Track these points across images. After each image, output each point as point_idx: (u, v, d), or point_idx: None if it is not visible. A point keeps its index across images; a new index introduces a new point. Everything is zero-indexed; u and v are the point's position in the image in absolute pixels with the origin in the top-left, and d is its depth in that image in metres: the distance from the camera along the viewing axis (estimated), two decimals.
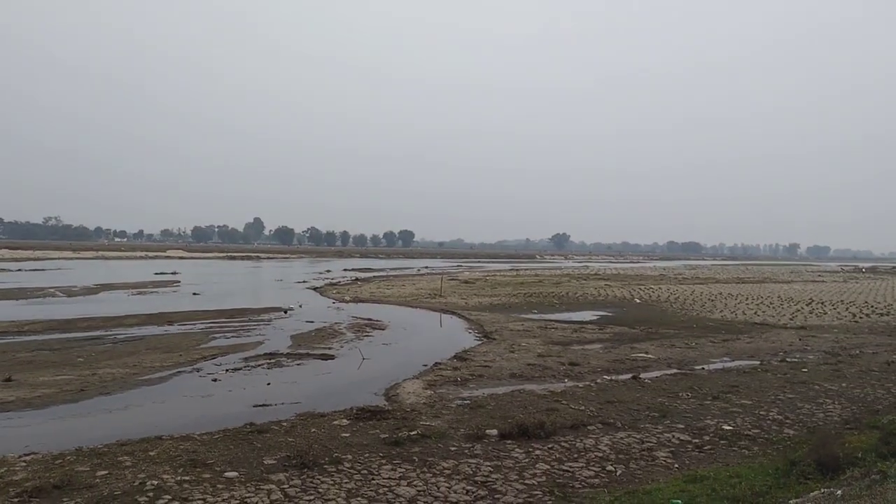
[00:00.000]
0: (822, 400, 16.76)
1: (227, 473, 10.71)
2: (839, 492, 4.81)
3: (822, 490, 5.58)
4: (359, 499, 9.78)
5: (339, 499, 9.76)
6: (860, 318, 38.70)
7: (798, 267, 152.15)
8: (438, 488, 10.31)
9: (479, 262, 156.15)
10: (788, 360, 22.89)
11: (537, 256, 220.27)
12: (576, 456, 12.02)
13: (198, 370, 20.18)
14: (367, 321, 32.62)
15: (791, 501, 4.99)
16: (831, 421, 14.85)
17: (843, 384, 18.63)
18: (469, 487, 10.37)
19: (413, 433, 13.02)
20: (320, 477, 10.61)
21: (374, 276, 78.03)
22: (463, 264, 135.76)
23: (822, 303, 48.19)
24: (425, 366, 20.92)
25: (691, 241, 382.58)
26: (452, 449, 12.28)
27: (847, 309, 43.66)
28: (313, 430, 13.40)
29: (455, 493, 10.16)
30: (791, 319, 37.07)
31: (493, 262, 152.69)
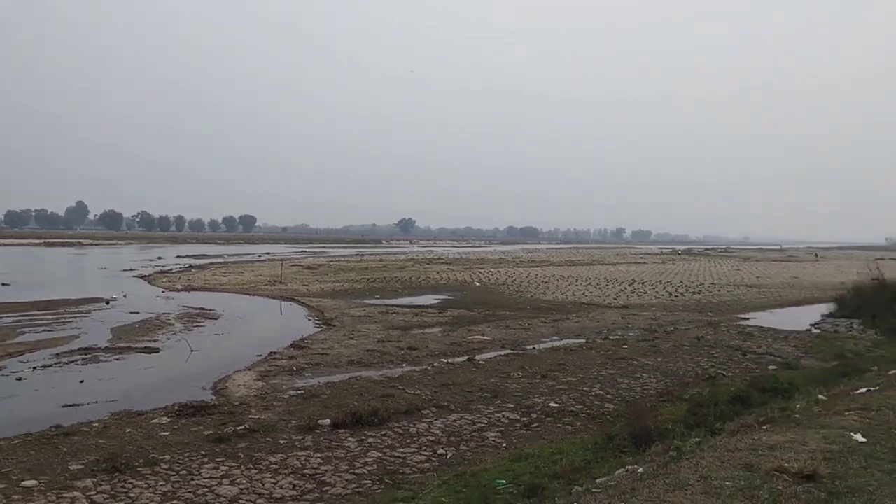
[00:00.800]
0: (639, 375, 17.83)
1: (25, 482, 9.67)
2: (640, 469, 4.98)
3: (627, 468, 5.80)
4: (175, 502, 9.15)
5: (152, 503, 9.07)
6: (676, 296, 41.83)
7: (623, 250, 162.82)
8: (263, 485, 9.86)
9: (323, 247, 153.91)
10: (611, 337, 24.23)
11: (383, 242, 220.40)
12: (408, 441, 11.97)
13: (0, 369, 18.21)
14: (198, 311, 31.01)
15: (598, 480, 5.14)
16: (647, 394, 15.81)
17: (659, 359, 19.94)
18: (296, 481, 10.01)
19: (240, 428, 12.43)
20: (133, 480, 9.81)
21: (211, 263, 74.62)
22: (307, 250, 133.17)
23: (643, 283, 51.67)
24: (259, 356, 20.12)
25: (529, 226, 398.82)
26: (282, 442, 11.83)
27: (665, 288, 47.07)
28: (129, 430, 12.42)
29: (281, 488, 9.76)
30: (615, 299, 39.40)
31: (337, 248, 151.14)
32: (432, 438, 12.13)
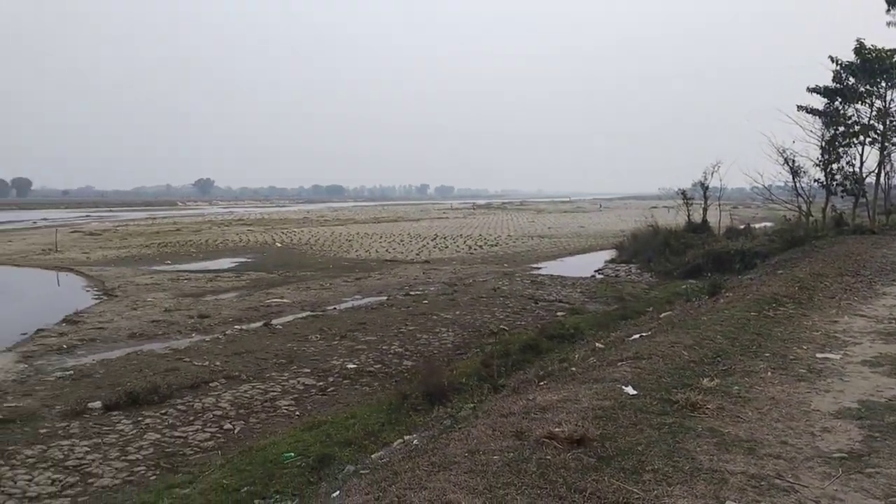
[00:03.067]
0: (438, 329, 17.90)
1: None
2: (416, 441, 4.65)
3: (405, 438, 5.48)
4: None
5: None
6: (475, 249, 43.06)
7: (427, 206, 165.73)
8: (16, 483, 8.57)
9: (111, 211, 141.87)
10: (412, 293, 24.26)
11: (179, 203, 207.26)
12: (192, 418, 11.03)
13: None
14: None
15: (373, 455, 4.76)
16: (445, 348, 15.88)
17: (457, 312, 20.19)
18: (56, 476, 8.80)
19: None
20: None
21: None
22: (91, 214, 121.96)
23: (445, 238, 52.72)
24: (24, 334, 17.80)
25: (335, 184, 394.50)
26: (43, 431, 10.41)
27: (465, 242, 48.31)
28: None
29: (37, 485, 8.53)
30: (418, 254, 39.78)
31: (127, 211, 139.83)
32: (219, 413, 11.26)
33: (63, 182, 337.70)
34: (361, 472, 4.23)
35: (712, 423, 4.79)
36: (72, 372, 13.90)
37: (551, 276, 29.26)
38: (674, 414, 4.91)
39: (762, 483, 3.82)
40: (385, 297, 23.31)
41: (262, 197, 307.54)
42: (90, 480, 8.69)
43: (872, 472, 4.02)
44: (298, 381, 13.07)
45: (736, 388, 5.73)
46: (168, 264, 35.23)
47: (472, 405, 5.57)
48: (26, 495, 8.26)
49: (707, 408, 5.00)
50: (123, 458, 9.39)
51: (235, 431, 10.48)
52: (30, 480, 8.66)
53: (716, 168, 35.50)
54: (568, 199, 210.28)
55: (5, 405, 11.63)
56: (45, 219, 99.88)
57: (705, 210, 36.03)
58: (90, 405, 11.45)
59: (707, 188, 36.02)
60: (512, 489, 3.46)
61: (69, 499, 8.24)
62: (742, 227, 37.12)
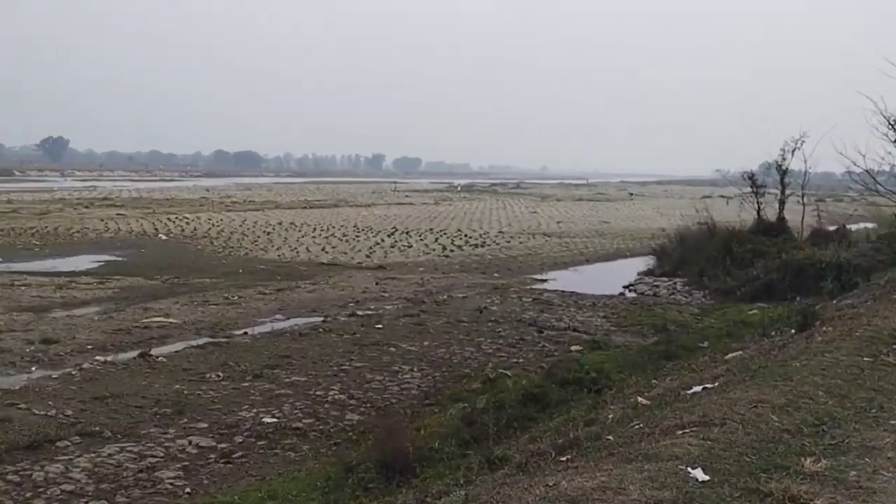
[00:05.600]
0: (398, 367, 17.84)
1: None
2: None
3: None
4: None
5: None
6: (452, 250, 43.17)
7: (383, 185, 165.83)
8: None
9: None
10: (360, 313, 24.22)
11: (16, 173, 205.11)
12: (29, 495, 10.74)
13: None
14: None
15: None
16: (408, 396, 15.81)
17: (426, 342, 20.14)
18: None
19: None
20: None
21: None
22: None
23: (408, 232, 52.79)
24: None
25: (248, 150, 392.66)
26: None
27: (437, 240, 48.39)
28: None
29: None
30: (368, 257, 39.79)
31: None
32: (70, 488, 11.00)
33: None
34: None
35: None
36: None
37: (562, 292, 29.34)
38: None
39: None
40: (320, 319, 23.27)
41: (139, 166, 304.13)
42: None
43: None
44: (190, 442, 12.88)
45: (853, 473, 5.59)
46: None
47: (462, 493, 5.32)
48: None
49: None
50: None
51: None
52: None
53: (799, 143, 34.45)
54: (585, 182, 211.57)
55: None
56: None
57: (783, 203, 35.18)
58: None
59: (786, 172, 35.25)
60: None
61: None
62: (833, 228, 36.82)
